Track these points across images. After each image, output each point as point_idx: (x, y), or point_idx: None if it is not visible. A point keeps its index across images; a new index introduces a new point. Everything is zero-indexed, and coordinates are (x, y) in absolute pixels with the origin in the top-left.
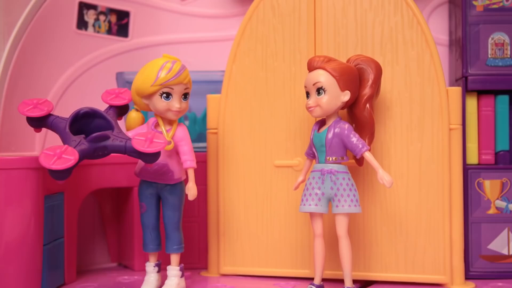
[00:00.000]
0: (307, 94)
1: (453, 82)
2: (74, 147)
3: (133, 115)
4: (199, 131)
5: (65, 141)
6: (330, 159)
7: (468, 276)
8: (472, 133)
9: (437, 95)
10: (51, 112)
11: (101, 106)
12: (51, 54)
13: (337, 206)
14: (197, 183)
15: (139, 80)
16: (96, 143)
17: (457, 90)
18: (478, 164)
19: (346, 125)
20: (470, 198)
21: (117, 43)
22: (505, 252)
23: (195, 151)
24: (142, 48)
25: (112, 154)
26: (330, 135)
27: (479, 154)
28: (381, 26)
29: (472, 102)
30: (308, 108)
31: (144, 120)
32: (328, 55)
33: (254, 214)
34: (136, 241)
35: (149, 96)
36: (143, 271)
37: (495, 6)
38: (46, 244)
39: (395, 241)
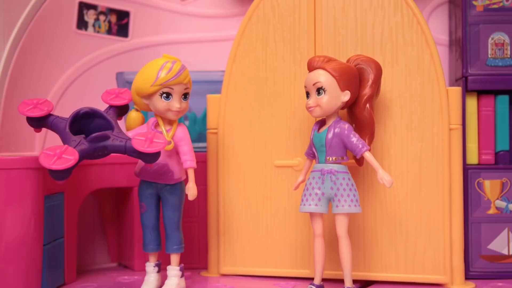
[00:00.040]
0: (307, 94)
1: (453, 82)
2: (74, 147)
3: (133, 115)
4: (199, 131)
5: (65, 141)
6: (330, 159)
7: (468, 276)
8: (472, 133)
9: (437, 95)
10: (51, 112)
11: (101, 106)
12: (51, 54)
13: (337, 206)
14: (197, 183)
15: (139, 80)
16: (96, 143)
17: (457, 90)
18: (478, 164)
19: (346, 125)
20: (470, 198)
21: (117, 43)
22: (505, 252)
23: (195, 151)
24: (142, 48)
25: (112, 154)
26: (330, 135)
27: (479, 154)
28: (381, 26)
29: (472, 102)
30: (308, 108)
31: (144, 120)
32: (328, 55)
33: (254, 214)
34: (136, 241)
35: (149, 96)
36: (143, 271)
37: (495, 6)
38: (46, 244)
39: (395, 241)
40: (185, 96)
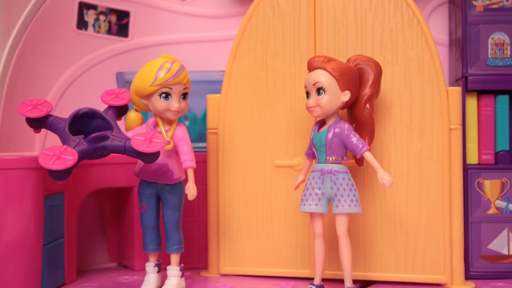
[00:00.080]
0: (307, 94)
1: (453, 82)
2: (74, 148)
3: (133, 115)
4: (199, 131)
5: (64, 141)
6: (330, 159)
7: (468, 276)
8: (472, 133)
9: (437, 95)
10: (50, 113)
11: (101, 107)
12: (51, 54)
13: (337, 206)
14: (197, 183)
15: (138, 80)
16: (96, 143)
17: (457, 90)
18: (478, 164)
19: (346, 125)
20: (470, 198)
21: (117, 43)
22: (505, 252)
23: (195, 151)
24: (142, 48)
25: (111, 154)
26: (330, 135)
27: (479, 154)
28: (381, 26)
29: (472, 102)
30: (308, 108)
31: (144, 120)
32: (328, 55)
33: (254, 214)
34: (136, 241)
35: (148, 96)
36: (143, 271)
37: (495, 6)
38: (46, 244)
39: (395, 241)
40: (184, 96)
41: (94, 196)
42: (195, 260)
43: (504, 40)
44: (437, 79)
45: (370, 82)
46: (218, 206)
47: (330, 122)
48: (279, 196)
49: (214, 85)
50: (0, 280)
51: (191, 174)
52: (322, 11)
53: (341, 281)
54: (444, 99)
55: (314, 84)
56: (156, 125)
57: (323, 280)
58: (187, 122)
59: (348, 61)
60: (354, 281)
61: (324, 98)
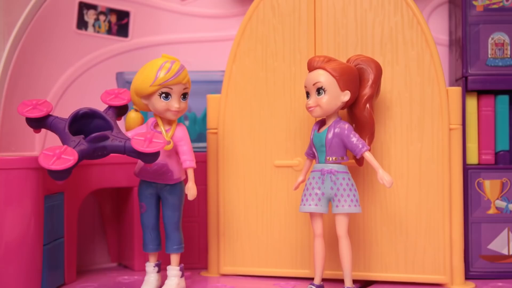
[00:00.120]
0: (307, 94)
1: (453, 82)
2: (74, 148)
3: (133, 115)
4: (199, 131)
5: (64, 141)
6: (330, 159)
7: (468, 276)
8: (472, 133)
9: (437, 95)
10: (50, 113)
11: (101, 106)
12: (51, 54)
13: (337, 206)
14: (197, 183)
15: (138, 80)
16: (96, 143)
17: (457, 90)
18: (478, 164)
19: (346, 125)
20: (470, 198)
21: (117, 43)
22: (505, 252)
23: (195, 151)
24: (142, 48)
25: (111, 154)
26: (330, 135)
27: (479, 154)
28: (381, 26)
29: (472, 102)
30: (308, 108)
31: (144, 120)
32: (328, 55)
33: (254, 214)
34: (136, 241)
35: (148, 96)
36: (143, 271)
37: (495, 6)
38: (46, 244)
39: (395, 241)
40: (184, 96)
41: (94, 196)
42: (195, 260)
43: (504, 40)
44: (437, 79)
45: (370, 82)
46: (218, 206)
47: (330, 122)
48: (279, 196)
49: (214, 85)
50: (0, 280)
51: (191, 174)
52: (322, 11)
53: (341, 281)
54: (444, 99)
55: (314, 84)
56: (156, 125)
57: (323, 280)
58: (187, 122)
59: (348, 61)
60: (354, 281)
61: (324, 98)
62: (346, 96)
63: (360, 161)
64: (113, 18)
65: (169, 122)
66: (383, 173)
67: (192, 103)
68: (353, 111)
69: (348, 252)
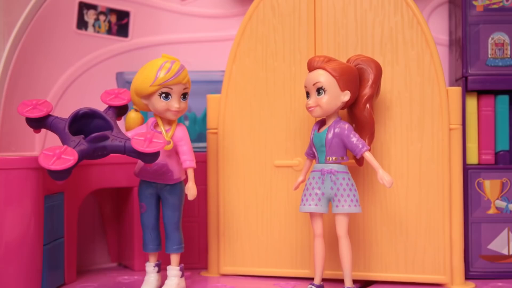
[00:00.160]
0: (307, 94)
1: (453, 82)
2: (74, 148)
3: (133, 115)
4: (199, 131)
5: (64, 141)
6: (330, 159)
7: (468, 276)
8: (472, 133)
9: (437, 95)
10: (50, 113)
11: (101, 106)
12: (51, 54)
13: (337, 206)
14: (197, 183)
15: (138, 80)
16: (96, 143)
17: (457, 90)
18: (478, 164)
19: (346, 125)
20: (470, 198)
21: (117, 43)
22: (505, 252)
23: (195, 151)
24: (142, 48)
25: (111, 154)
26: (330, 135)
27: (479, 154)
28: (381, 26)
29: (472, 102)
30: (308, 108)
31: (144, 120)
32: (328, 55)
33: (254, 214)
34: (136, 241)
35: (148, 96)
36: (143, 271)
37: (495, 6)
38: (46, 244)
39: (395, 241)
40: (184, 96)
41: (94, 196)
42: (195, 260)
43: (504, 40)
44: (437, 79)
45: (370, 82)
46: (218, 206)
47: (330, 122)
48: (279, 196)
49: (214, 85)
50: (0, 280)
51: (191, 174)
52: (322, 11)
53: (341, 281)
54: (444, 99)
55: (314, 84)
56: (156, 125)
57: (323, 280)
58: (187, 122)
59: (348, 61)
60: (354, 281)
61: (324, 98)
62: (346, 96)
63: (360, 161)
64: (113, 18)
65: (169, 122)
66: (383, 173)
67: (192, 103)
68: (353, 111)
69: (348, 252)
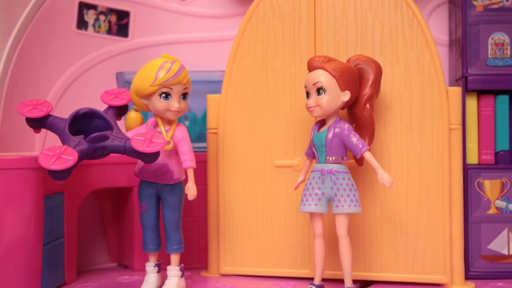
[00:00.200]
0: (307, 94)
1: (453, 82)
2: (74, 148)
3: (133, 115)
4: (199, 131)
5: (64, 141)
6: (330, 159)
7: (468, 276)
8: (472, 133)
9: (437, 95)
10: (50, 113)
11: (101, 106)
12: (51, 54)
13: (337, 206)
14: (197, 183)
15: (138, 80)
16: (96, 143)
17: (457, 90)
18: (478, 164)
19: (346, 125)
20: (470, 198)
21: (117, 43)
22: (505, 252)
23: (195, 151)
24: (142, 48)
25: (111, 154)
26: (330, 135)
27: (479, 154)
28: (381, 26)
29: (472, 102)
30: (308, 108)
31: (144, 121)
32: (328, 55)
33: (254, 214)
34: (136, 241)
35: (148, 96)
36: (143, 271)
37: (495, 6)
38: (46, 244)
39: (395, 241)
40: (184, 96)
41: (94, 196)
42: (195, 260)
43: (504, 40)
44: (437, 79)
45: (370, 82)
46: (218, 206)
47: (330, 122)
48: (279, 196)
49: (214, 85)
50: (0, 280)
51: (191, 174)
52: (322, 11)
53: (341, 281)
54: (444, 99)
55: (314, 84)
56: (156, 125)
57: (323, 280)
58: (187, 122)
59: (348, 61)
60: (354, 281)
61: (324, 98)
62: (346, 96)
63: (360, 161)
64: (113, 18)
65: (169, 122)
66: (383, 173)
67: (192, 103)
68: (353, 111)
69: (348, 252)
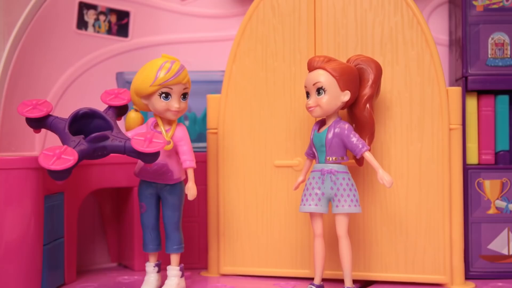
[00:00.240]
0: (307, 94)
1: (453, 82)
2: (74, 148)
3: (133, 115)
4: (199, 131)
5: (64, 141)
6: (330, 159)
7: (468, 276)
8: (472, 133)
9: (437, 95)
10: (50, 113)
11: (101, 106)
12: (51, 54)
13: (337, 206)
14: (197, 183)
15: (138, 80)
16: (96, 143)
17: (457, 90)
18: (478, 164)
19: (346, 125)
20: (470, 198)
21: (117, 43)
22: (505, 252)
23: (195, 151)
24: (142, 48)
25: (111, 154)
26: (330, 135)
27: (479, 154)
28: (381, 26)
29: (472, 102)
30: (308, 108)
31: (144, 121)
32: (328, 55)
33: (254, 214)
34: (136, 241)
35: (148, 96)
36: (143, 271)
37: (495, 6)
38: (46, 244)
39: (395, 241)
40: (184, 96)
41: (94, 196)
42: (195, 260)
43: (504, 40)
44: (437, 79)
45: (370, 82)
46: (218, 206)
47: (330, 122)
48: (279, 196)
49: (214, 85)
50: (0, 280)
51: (191, 174)
52: (322, 11)
53: (341, 281)
54: (444, 99)
55: (314, 84)
56: (156, 125)
57: (323, 280)
58: (187, 122)
59: (348, 61)
60: (354, 281)
61: (324, 98)
62: (346, 96)
63: (360, 161)
64: (113, 18)
65: (169, 122)
66: (383, 173)
67: (192, 103)
68: (353, 111)
69: (348, 252)
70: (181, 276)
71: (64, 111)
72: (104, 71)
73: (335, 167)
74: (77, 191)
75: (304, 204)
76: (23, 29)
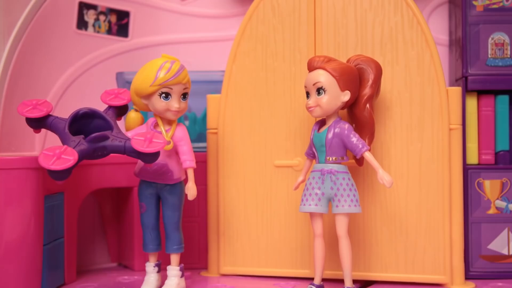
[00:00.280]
0: (307, 94)
1: (453, 82)
2: (74, 148)
3: (133, 115)
4: (199, 131)
5: (64, 141)
6: (330, 159)
7: (468, 276)
8: (472, 133)
9: (437, 95)
10: (50, 113)
11: (101, 106)
12: (51, 54)
13: (337, 206)
14: (197, 183)
15: (138, 80)
16: (96, 143)
17: (457, 90)
18: (478, 164)
19: (346, 125)
20: (470, 198)
21: (117, 43)
22: (505, 252)
23: (195, 151)
24: (142, 48)
25: (111, 154)
26: (330, 135)
27: (479, 154)
28: (381, 26)
29: (472, 102)
30: (308, 108)
31: (144, 121)
32: (328, 55)
33: (254, 214)
34: (136, 241)
35: (148, 96)
36: (143, 271)
37: (495, 6)
38: (46, 244)
39: (395, 241)
40: (184, 96)
41: (94, 196)
42: (195, 260)
43: (504, 40)
44: (437, 79)
45: (370, 82)
46: (218, 206)
47: (330, 122)
48: (279, 196)
49: (214, 85)
50: (0, 280)
51: (191, 174)
52: (322, 11)
53: (341, 281)
54: (444, 99)
55: (314, 84)
56: (156, 125)
57: (323, 280)
58: (187, 122)
59: (348, 61)
60: (354, 281)
61: (324, 98)
62: (346, 96)
63: (360, 161)
64: (113, 18)
65: (169, 122)
66: (383, 173)
67: (192, 103)
68: (353, 111)
69: (348, 252)
70: (181, 276)
71: (64, 111)
72: (104, 71)
73: (335, 167)
74: (77, 191)
75: (304, 204)
76: (23, 29)
